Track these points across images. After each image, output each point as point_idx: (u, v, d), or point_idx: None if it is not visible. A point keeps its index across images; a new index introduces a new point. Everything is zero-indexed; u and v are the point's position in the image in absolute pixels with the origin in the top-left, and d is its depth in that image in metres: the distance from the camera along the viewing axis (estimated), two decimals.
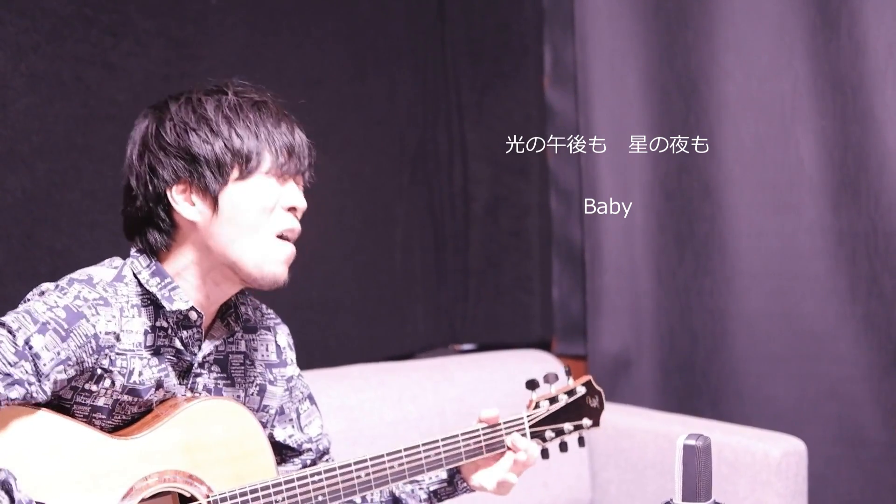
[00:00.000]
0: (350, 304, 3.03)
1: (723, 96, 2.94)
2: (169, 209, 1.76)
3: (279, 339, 1.97)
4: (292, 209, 1.79)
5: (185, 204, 1.75)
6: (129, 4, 2.55)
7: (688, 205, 3.04)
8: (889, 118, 2.65)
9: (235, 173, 1.74)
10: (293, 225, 1.79)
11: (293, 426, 1.97)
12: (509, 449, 1.94)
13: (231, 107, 1.77)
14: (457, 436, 1.90)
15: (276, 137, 1.77)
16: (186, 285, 1.78)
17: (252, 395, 1.91)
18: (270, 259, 1.77)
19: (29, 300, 1.71)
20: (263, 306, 1.98)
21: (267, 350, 1.94)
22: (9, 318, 1.64)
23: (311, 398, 2.00)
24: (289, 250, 1.79)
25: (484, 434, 1.93)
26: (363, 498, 1.97)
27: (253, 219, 1.75)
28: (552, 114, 3.32)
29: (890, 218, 2.68)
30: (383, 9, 3.09)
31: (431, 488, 1.98)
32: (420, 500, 1.98)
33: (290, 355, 1.98)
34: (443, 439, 1.89)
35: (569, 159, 3.32)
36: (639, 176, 3.14)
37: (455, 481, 1.97)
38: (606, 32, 3.16)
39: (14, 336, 1.61)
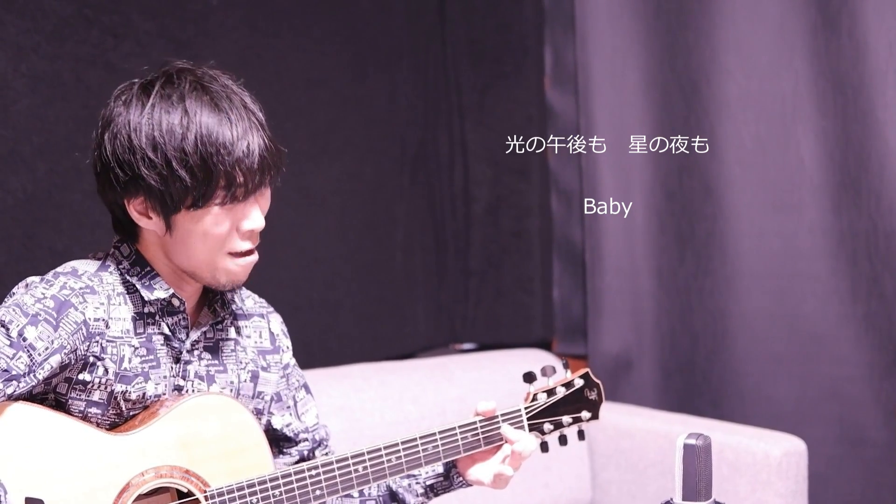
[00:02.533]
0: (351, 304, 3.03)
1: (723, 96, 2.94)
2: (129, 216, 1.75)
3: (273, 326, 1.96)
4: (249, 231, 1.75)
5: (143, 218, 1.74)
6: (130, 5, 2.56)
7: (688, 205, 3.04)
8: (890, 118, 2.65)
9: (188, 202, 1.70)
10: (246, 247, 1.75)
11: (291, 414, 1.97)
12: (506, 442, 1.93)
13: (189, 129, 1.67)
14: (454, 428, 1.90)
15: (233, 165, 1.68)
16: (163, 275, 1.79)
17: (245, 381, 1.90)
18: (224, 273, 1.76)
19: (14, 294, 1.72)
20: (255, 295, 1.98)
21: (260, 337, 1.94)
22: None
23: (306, 387, 2.01)
24: (241, 262, 1.76)
25: (482, 427, 1.92)
26: (360, 492, 1.97)
27: (204, 248, 1.73)
28: (553, 114, 3.32)
29: (891, 218, 2.68)
30: (384, 9, 3.09)
31: (428, 482, 1.97)
32: (416, 495, 1.98)
33: (285, 342, 1.98)
34: (440, 432, 1.89)
35: (569, 160, 3.31)
36: (639, 176, 3.14)
37: (451, 475, 1.97)
38: (607, 33, 3.16)
39: (8, 330, 1.63)
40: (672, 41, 3.03)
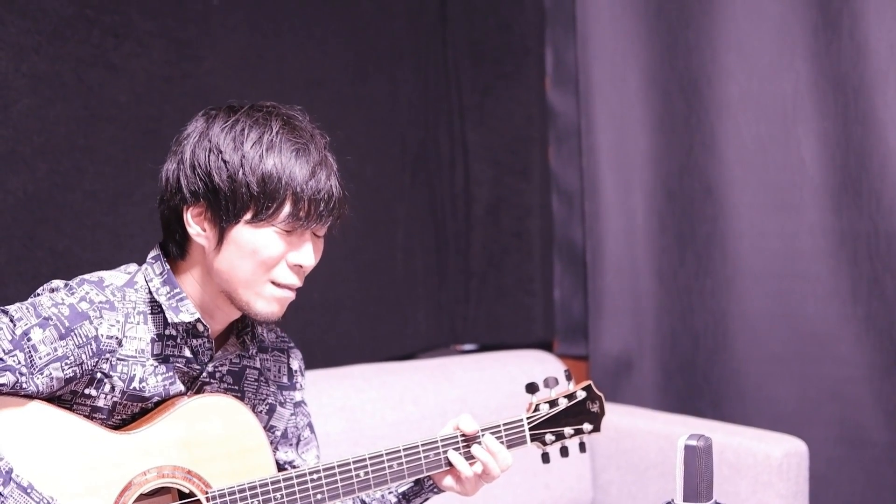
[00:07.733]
0: (352, 304, 3.03)
1: (724, 97, 2.94)
2: (184, 225, 1.77)
3: (292, 363, 1.98)
4: (297, 266, 1.77)
5: (197, 227, 1.75)
6: (131, 5, 2.56)
7: (689, 205, 3.04)
8: (890, 119, 2.65)
9: (249, 215, 1.73)
10: (292, 281, 1.77)
11: (294, 451, 1.99)
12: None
13: (269, 145, 1.73)
14: (456, 437, 1.90)
15: (302, 189, 1.73)
16: (194, 300, 1.79)
17: (261, 412, 1.92)
18: (262, 299, 1.76)
19: (39, 294, 1.72)
20: (277, 329, 1.99)
21: (279, 371, 1.95)
22: (12, 308, 1.67)
23: (310, 426, 2.02)
24: (281, 294, 1.77)
25: (462, 443, 1.92)
26: None
27: (250, 267, 1.74)
28: (554, 115, 3.33)
29: (891, 219, 2.68)
30: (385, 9, 3.09)
31: (401, 489, 1.97)
32: None
33: (301, 380, 2.00)
34: (442, 439, 1.89)
35: (570, 160, 3.32)
36: (640, 177, 3.14)
37: (423, 481, 1.96)
38: (608, 33, 3.16)
39: (14, 325, 1.64)
40: (673, 41, 3.03)
